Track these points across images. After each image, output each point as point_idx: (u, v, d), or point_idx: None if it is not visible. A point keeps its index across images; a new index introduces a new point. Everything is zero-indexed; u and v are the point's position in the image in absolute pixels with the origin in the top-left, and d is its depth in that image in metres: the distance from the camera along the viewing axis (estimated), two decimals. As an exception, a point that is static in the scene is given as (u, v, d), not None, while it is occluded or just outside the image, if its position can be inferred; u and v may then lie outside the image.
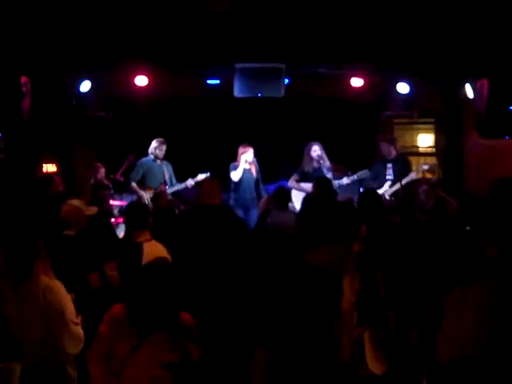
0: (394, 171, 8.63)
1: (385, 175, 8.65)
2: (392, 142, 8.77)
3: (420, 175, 9.06)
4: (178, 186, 9.01)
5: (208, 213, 5.46)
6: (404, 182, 8.40)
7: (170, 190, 8.90)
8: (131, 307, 3.33)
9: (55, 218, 5.56)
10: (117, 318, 3.36)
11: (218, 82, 9.40)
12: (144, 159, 9.16)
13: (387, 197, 8.42)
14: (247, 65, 8.84)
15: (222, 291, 5.15)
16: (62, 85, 9.19)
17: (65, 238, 5.16)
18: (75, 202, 5.51)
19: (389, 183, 8.56)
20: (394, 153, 8.77)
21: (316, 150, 8.65)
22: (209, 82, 9.37)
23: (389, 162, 8.73)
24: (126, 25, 8.20)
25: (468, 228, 5.59)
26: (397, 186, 8.45)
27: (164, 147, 9.09)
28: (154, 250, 4.76)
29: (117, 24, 8.16)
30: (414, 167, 11.33)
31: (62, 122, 9.71)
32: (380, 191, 8.45)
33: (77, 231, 5.22)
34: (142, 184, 9.02)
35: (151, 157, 9.10)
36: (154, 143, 9.09)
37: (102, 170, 9.45)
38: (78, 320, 3.80)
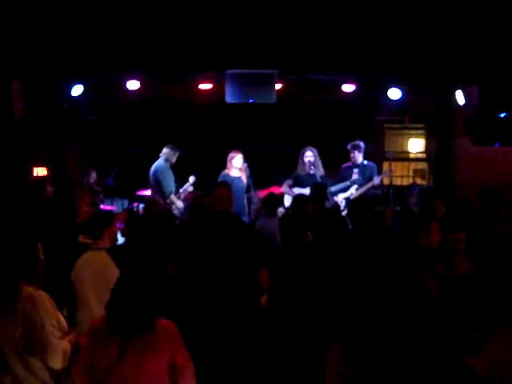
0: (359, 176, 8.79)
1: (351, 179, 8.81)
2: (360, 148, 8.85)
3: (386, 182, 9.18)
4: (184, 193, 8.94)
5: (222, 220, 5.47)
6: (365, 188, 8.64)
7: (182, 197, 8.85)
8: (109, 313, 3.34)
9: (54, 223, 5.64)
10: (96, 330, 3.36)
11: (210, 86, 9.40)
12: (165, 167, 8.82)
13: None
14: (239, 71, 8.85)
15: (229, 296, 5.18)
16: (53, 89, 9.17)
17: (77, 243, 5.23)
18: (87, 209, 5.57)
19: (355, 187, 8.68)
20: (360, 159, 8.88)
21: (308, 156, 8.64)
22: (201, 86, 9.37)
23: (355, 167, 8.86)
24: (118, 29, 8.20)
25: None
26: (362, 190, 8.62)
27: (178, 153, 8.94)
28: (87, 260, 4.76)
29: (109, 28, 8.16)
30: (405, 172, 11.47)
31: (54, 126, 9.69)
32: (346, 194, 8.65)
33: None
34: (157, 190, 8.78)
35: (167, 163, 8.87)
36: (169, 150, 8.88)
37: (94, 175, 9.43)
38: (70, 336, 3.78)
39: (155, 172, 8.84)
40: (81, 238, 5.33)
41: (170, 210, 8.37)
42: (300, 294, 5.00)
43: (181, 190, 8.90)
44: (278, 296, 5.10)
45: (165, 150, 8.91)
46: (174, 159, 8.92)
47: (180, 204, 8.75)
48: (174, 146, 8.97)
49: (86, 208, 6.33)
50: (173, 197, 8.71)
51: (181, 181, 9.01)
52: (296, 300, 5.01)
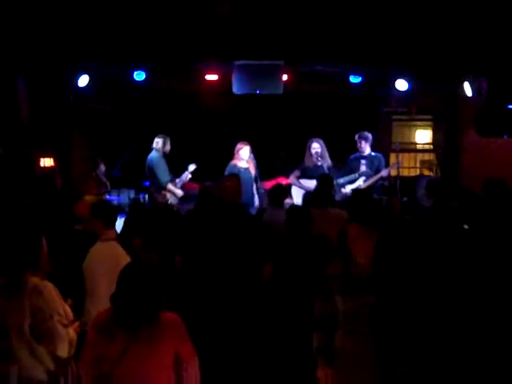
0: (367, 167, 8.74)
1: (359, 170, 8.75)
2: (367, 139, 8.81)
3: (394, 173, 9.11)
4: (181, 182, 9.00)
5: (230, 211, 5.45)
6: (373, 179, 8.65)
7: (179, 185, 8.93)
8: (115, 306, 3.35)
9: (61, 214, 5.64)
10: (102, 322, 3.38)
11: (216, 77, 9.38)
12: (158, 157, 8.80)
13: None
14: (246, 62, 8.83)
15: (236, 289, 5.19)
16: (59, 79, 9.16)
17: (77, 232, 5.25)
18: (90, 198, 5.58)
19: (363, 178, 8.65)
20: (367, 150, 8.84)
21: (315, 148, 8.60)
22: (207, 77, 9.34)
23: (363, 158, 8.83)
24: (124, 20, 8.19)
25: (466, 226, 5.63)
26: (370, 182, 8.62)
27: (169, 142, 8.91)
28: (99, 250, 4.75)
29: (115, 19, 8.15)
30: (412, 163, 11.42)
31: (60, 116, 9.70)
32: (354, 186, 8.60)
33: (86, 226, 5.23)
34: (154, 181, 8.81)
35: (159, 153, 8.83)
36: (160, 140, 8.83)
37: (102, 167, 9.45)
38: (75, 325, 3.80)
39: (149, 163, 8.84)
40: (77, 226, 5.34)
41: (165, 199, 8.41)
42: (303, 285, 5.01)
43: (177, 180, 8.92)
44: (281, 286, 5.12)
45: (156, 140, 8.87)
46: (167, 147, 8.87)
47: (179, 192, 8.82)
48: (164, 134, 8.92)
49: (89, 197, 6.26)
50: (170, 186, 8.77)
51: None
52: (299, 291, 5.02)
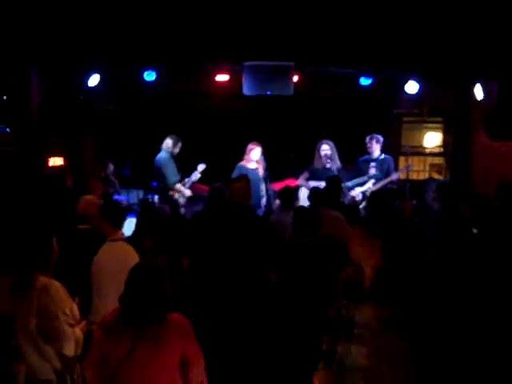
0: (376, 170, 8.71)
1: (368, 173, 8.71)
2: (379, 141, 8.76)
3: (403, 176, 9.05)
4: (190, 182, 9.02)
5: (238, 213, 5.45)
6: (383, 182, 8.60)
7: (188, 186, 8.96)
8: (123, 306, 3.35)
9: (69, 213, 5.65)
10: (109, 323, 3.40)
11: (227, 78, 9.37)
12: (166, 157, 8.87)
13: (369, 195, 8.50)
14: (256, 63, 8.82)
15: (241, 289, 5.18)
16: (70, 79, 9.19)
17: (81, 232, 5.23)
18: (90, 198, 5.59)
19: (372, 181, 8.60)
20: (377, 152, 8.79)
21: (324, 150, 8.57)
22: (218, 78, 9.34)
23: (373, 160, 8.79)
24: (135, 20, 8.21)
25: (475, 230, 5.61)
26: (379, 185, 8.57)
27: (180, 144, 8.98)
28: (109, 250, 4.75)
29: (126, 19, 8.17)
30: (421, 166, 11.37)
31: (70, 116, 9.72)
32: (363, 188, 8.58)
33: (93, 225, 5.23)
34: (162, 181, 8.86)
35: (168, 153, 8.89)
36: (170, 141, 8.90)
37: (111, 167, 9.46)
38: (82, 324, 3.81)
39: (157, 163, 8.90)
40: (81, 226, 5.34)
41: (173, 200, 8.41)
42: (302, 288, 5.00)
43: (187, 180, 8.94)
44: (289, 288, 5.11)
45: (167, 141, 8.94)
46: (176, 150, 8.94)
47: (187, 192, 8.86)
48: (176, 136, 8.99)
49: (89, 197, 6.20)
50: (178, 186, 8.82)
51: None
52: (298, 294, 5.01)
